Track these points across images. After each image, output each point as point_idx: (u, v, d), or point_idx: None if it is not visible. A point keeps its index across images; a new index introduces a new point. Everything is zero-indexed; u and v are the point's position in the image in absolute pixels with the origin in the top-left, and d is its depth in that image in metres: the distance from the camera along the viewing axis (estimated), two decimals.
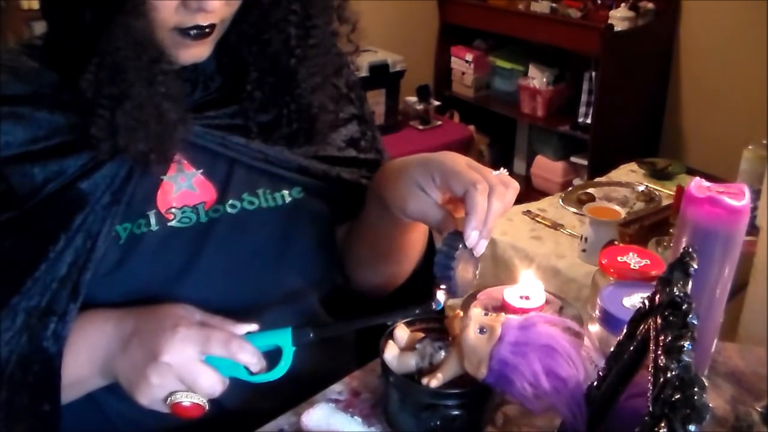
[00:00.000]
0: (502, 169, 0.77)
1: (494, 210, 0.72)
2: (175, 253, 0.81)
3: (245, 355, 0.72)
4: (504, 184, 0.74)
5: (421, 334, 0.78)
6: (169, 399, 0.71)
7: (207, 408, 0.72)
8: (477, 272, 0.77)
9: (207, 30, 0.76)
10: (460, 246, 0.72)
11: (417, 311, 0.75)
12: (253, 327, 0.75)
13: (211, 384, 0.72)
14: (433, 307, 0.73)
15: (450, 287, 0.73)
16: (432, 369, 0.73)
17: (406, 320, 0.79)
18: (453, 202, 0.78)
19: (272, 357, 0.74)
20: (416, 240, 0.93)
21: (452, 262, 0.71)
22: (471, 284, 0.76)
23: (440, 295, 0.73)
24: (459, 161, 0.75)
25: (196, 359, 0.71)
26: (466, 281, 0.75)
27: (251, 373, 0.73)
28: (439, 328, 0.79)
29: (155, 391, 0.71)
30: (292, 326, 0.75)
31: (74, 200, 0.78)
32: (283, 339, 0.74)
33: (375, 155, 1.00)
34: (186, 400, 0.71)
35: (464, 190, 0.72)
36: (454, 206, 0.78)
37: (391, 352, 0.76)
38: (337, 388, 0.84)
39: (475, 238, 0.72)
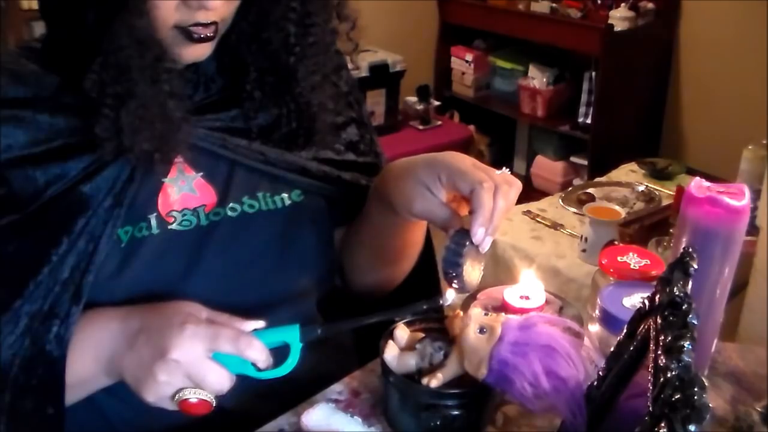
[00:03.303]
0: (504, 168, 0.79)
1: (499, 208, 0.74)
2: (176, 257, 0.81)
3: (253, 352, 0.72)
4: (508, 183, 0.76)
5: (421, 334, 0.78)
6: (176, 396, 0.71)
7: (214, 404, 0.72)
8: (482, 269, 0.78)
9: (210, 34, 0.77)
10: (467, 243, 0.74)
11: (425, 306, 0.76)
12: (260, 324, 0.75)
13: (220, 381, 0.71)
14: (441, 302, 0.75)
15: (458, 283, 0.75)
16: (432, 369, 0.73)
17: (407, 320, 0.79)
18: (456, 200, 0.79)
19: (278, 354, 0.74)
20: (416, 240, 0.93)
21: (460, 258, 0.74)
22: (477, 281, 0.78)
23: (449, 292, 0.75)
24: (465, 161, 0.77)
25: (204, 356, 0.71)
26: (473, 278, 0.76)
27: (259, 370, 0.73)
28: (439, 328, 0.79)
29: (163, 388, 0.71)
30: (302, 323, 0.75)
31: (76, 203, 0.77)
32: (291, 335, 0.74)
33: (373, 158, 1.00)
34: (193, 396, 0.71)
35: (471, 189, 0.74)
36: (458, 205, 0.79)
37: (391, 352, 0.76)
38: (337, 388, 0.84)
39: (481, 235, 0.74)
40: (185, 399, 0.71)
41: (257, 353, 0.72)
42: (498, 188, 0.74)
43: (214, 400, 0.72)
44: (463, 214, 0.78)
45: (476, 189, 0.73)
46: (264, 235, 0.86)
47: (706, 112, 2.95)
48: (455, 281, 0.75)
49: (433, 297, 0.76)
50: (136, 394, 0.73)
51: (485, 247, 0.75)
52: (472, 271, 0.76)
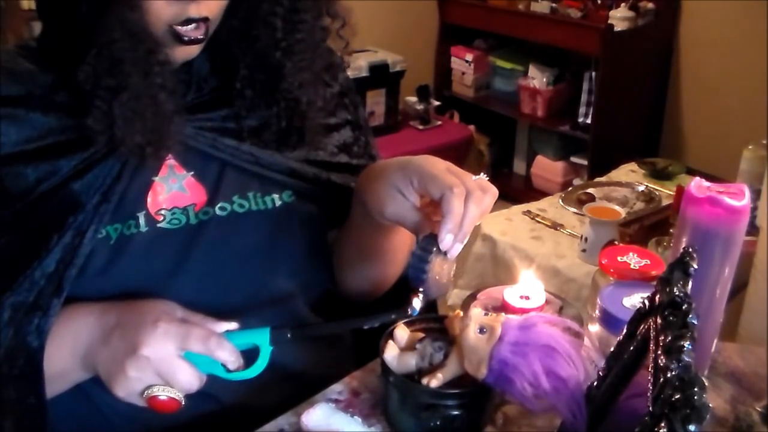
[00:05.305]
0: (481, 174, 0.77)
1: (471, 214, 0.72)
2: (164, 255, 0.81)
3: (223, 353, 0.73)
4: (482, 189, 0.74)
5: (421, 334, 0.78)
6: (145, 392, 0.72)
7: (183, 403, 0.73)
8: (452, 275, 0.76)
9: (200, 36, 0.77)
10: (434, 249, 0.72)
11: (393, 316, 0.75)
12: (233, 325, 0.76)
13: (189, 379, 0.72)
14: (409, 312, 0.74)
15: (424, 289, 0.73)
16: (432, 369, 0.73)
17: (406, 320, 0.79)
18: (432, 206, 0.78)
19: (251, 356, 0.75)
20: (400, 243, 0.92)
21: (426, 264, 0.72)
22: (447, 287, 0.76)
23: (416, 301, 0.73)
24: (438, 165, 0.75)
25: (174, 354, 0.72)
26: (441, 284, 0.75)
27: (228, 371, 0.74)
28: (439, 328, 0.79)
29: (133, 383, 0.72)
30: (272, 326, 0.75)
31: (67, 200, 0.78)
32: (261, 338, 0.75)
33: (367, 161, 0.99)
34: (162, 394, 0.72)
35: (441, 194, 0.72)
36: (433, 210, 0.78)
37: (391, 352, 0.76)
38: (337, 388, 0.84)
39: (449, 241, 0.72)
40: (154, 396, 0.72)
41: (227, 354, 0.73)
42: (470, 194, 0.72)
43: (182, 398, 0.73)
44: (438, 219, 0.75)
45: (446, 193, 0.71)
46: (253, 235, 0.86)
47: (706, 112, 2.96)
48: (421, 287, 0.73)
49: (402, 307, 0.74)
50: (108, 389, 0.73)
51: (453, 253, 0.73)
52: (440, 278, 0.74)
